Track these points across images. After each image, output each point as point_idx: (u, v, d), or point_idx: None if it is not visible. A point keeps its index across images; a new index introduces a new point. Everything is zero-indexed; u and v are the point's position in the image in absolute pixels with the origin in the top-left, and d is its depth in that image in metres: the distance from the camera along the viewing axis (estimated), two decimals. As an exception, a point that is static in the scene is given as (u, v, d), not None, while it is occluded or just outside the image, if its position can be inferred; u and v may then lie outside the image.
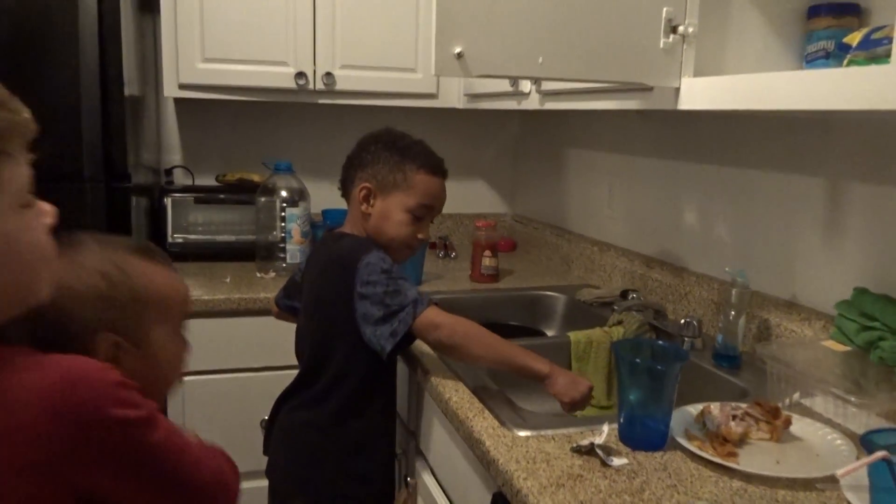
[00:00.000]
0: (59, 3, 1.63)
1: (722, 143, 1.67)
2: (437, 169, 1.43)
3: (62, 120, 1.66)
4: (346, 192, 1.45)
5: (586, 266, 2.20)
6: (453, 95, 2.31)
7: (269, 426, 1.48)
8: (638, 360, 1.07)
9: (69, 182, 1.66)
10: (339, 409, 1.36)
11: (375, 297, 1.27)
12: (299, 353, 1.48)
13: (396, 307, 1.26)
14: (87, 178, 1.64)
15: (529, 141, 2.70)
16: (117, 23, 1.67)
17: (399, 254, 1.42)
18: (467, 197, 2.76)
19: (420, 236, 1.42)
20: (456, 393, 1.28)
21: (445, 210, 2.68)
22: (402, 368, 1.52)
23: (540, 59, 1.15)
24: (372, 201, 1.39)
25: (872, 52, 1.10)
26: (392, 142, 1.42)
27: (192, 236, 2.24)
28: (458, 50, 1.09)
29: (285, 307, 1.61)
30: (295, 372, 1.53)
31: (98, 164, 1.65)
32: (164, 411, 1.70)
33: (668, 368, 1.05)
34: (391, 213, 1.38)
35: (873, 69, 0.89)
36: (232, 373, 1.98)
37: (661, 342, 1.15)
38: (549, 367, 1.24)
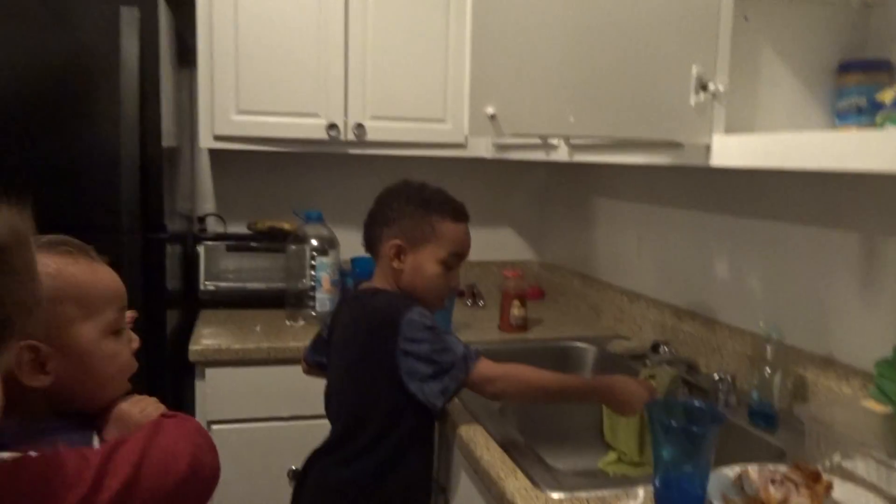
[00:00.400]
0: (102, 59, 1.69)
1: (753, 196, 1.67)
2: (461, 215, 1.45)
3: (102, 173, 1.71)
4: (372, 249, 1.46)
5: (616, 316, 2.18)
6: (481, 145, 2.33)
7: (301, 483, 1.46)
8: (673, 423, 1.05)
9: (107, 234, 1.69)
10: (379, 467, 1.35)
11: (422, 355, 1.28)
12: (332, 411, 1.47)
13: (447, 364, 1.27)
14: (125, 230, 1.67)
15: (557, 189, 2.71)
16: (157, 78, 1.73)
17: (433, 305, 1.43)
18: (494, 244, 2.77)
19: (452, 285, 1.44)
20: (487, 451, 1.27)
21: (472, 257, 2.70)
22: (431, 422, 1.51)
23: (571, 118, 1.16)
24: (403, 257, 1.40)
25: (906, 110, 1.10)
26: (414, 195, 1.44)
27: (224, 283, 2.27)
28: (491, 111, 1.11)
29: (314, 363, 1.61)
30: (324, 422, 1.54)
31: (135, 216, 1.68)
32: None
33: (705, 431, 1.03)
34: (423, 266, 1.40)
35: (909, 132, 0.88)
36: (261, 422, 1.98)
37: (696, 402, 1.13)
38: (605, 383, 1.33)
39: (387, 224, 1.42)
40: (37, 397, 0.84)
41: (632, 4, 1.18)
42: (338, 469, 1.37)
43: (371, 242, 1.47)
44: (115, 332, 0.91)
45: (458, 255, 1.43)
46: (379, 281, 1.45)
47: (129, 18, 1.64)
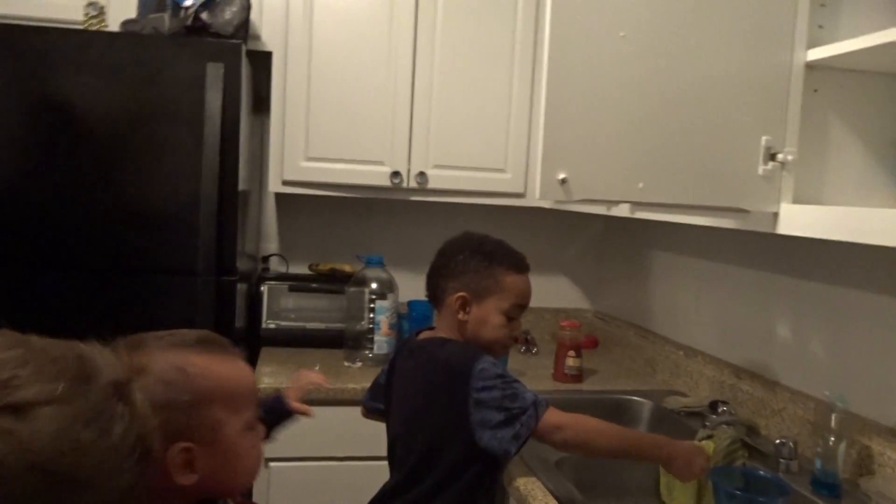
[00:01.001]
0: (187, 110, 1.79)
1: (818, 261, 1.66)
2: (523, 266, 1.48)
3: (181, 217, 1.80)
4: (436, 301, 1.50)
5: (671, 371, 2.17)
6: (537, 182, 2.36)
7: None
8: (738, 492, 1.06)
9: (183, 276, 1.78)
10: None
11: (494, 402, 1.30)
12: (396, 457, 1.48)
13: (518, 410, 1.29)
14: (201, 272, 1.75)
15: (614, 240, 2.72)
16: (237, 129, 1.82)
17: (496, 354, 1.46)
18: (549, 292, 2.78)
19: (514, 335, 1.47)
20: (546, 507, 1.28)
21: (527, 304, 2.70)
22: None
23: (640, 185, 1.19)
24: (468, 309, 1.43)
25: (980, 188, 1.10)
26: (477, 248, 1.48)
27: (285, 322, 2.34)
28: (562, 176, 1.14)
29: (373, 409, 1.65)
30: (379, 464, 1.57)
31: (211, 260, 1.76)
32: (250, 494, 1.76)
33: (771, 502, 1.03)
34: (488, 317, 1.43)
35: None
36: (316, 461, 2.01)
37: (761, 472, 1.13)
38: (667, 450, 1.31)
39: (451, 277, 1.46)
40: (177, 492, 0.86)
41: (704, 74, 1.21)
42: None
43: (435, 294, 1.50)
44: (253, 426, 0.94)
45: (520, 306, 1.46)
46: (442, 330, 1.49)
47: (214, 74, 1.74)
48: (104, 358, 0.64)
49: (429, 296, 1.54)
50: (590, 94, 1.15)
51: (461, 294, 1.44)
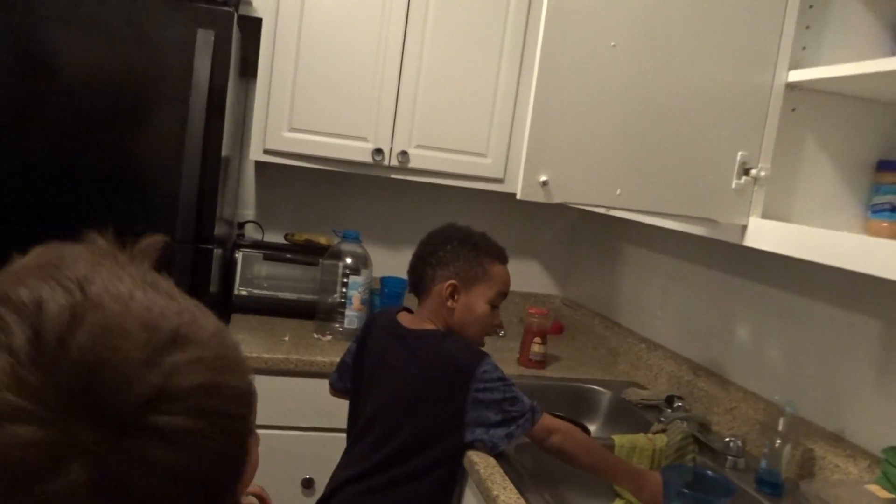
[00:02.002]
0: (175, 77, 1.78)
1: (781, 269, 1.72)
2: (506, 258, 1.57)
3: (163, 184, 1.80)
4: (422, 289, 1.54)
5: (633, 362, 2.24)
6: (519, 182, 2.40)
7: (326, 501, 1.52)
8: (686, 490, 1.12)
9: (161, 241, 1.79)
10: (412, 501, 1.43)
11: (493, 403, 1.37)
12: (367, 436, 1.50)
13: (516, 413, 1.37)
14: (179, 239, 1.76)
15: (587, 231, 2.77)
16: (224, 97, 1.81)
17: (477, 342, 1.53)
18: (520, 276, 2.83)
19: (496, 323, 1.55)
20: (504, 491, 1.33)
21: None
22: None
23: (618, 191, 1.23)
24: (457, 297, 1.48)
25: (938, 219, 1.16)
26: (465, 239, 1.53)
27: (257, 290, 2.35)
28: (543, 178, 1.18)
29: (341, 389, 1.69)
30: (341, 436, 1.64)
31: (190, 227, 1.77)
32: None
33: (716, 502, 1.10)
34: (475, 305, 1.49)
35: (939, 253, 0.95)
36: (282, 430, 2.05)
37: (709, 472, 1.19)
38: (640, 481, 1.40)
39: (440, 265, 1.50)
40: None
41: (688, 88, 1.25)
42: (369, 497, 1.44)
43: (421, 281, 1.54)
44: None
45: (503, 295, 1.54)
46: (426, 317, 1.53)
47: (204, 40, 1.73)
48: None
49: (413, 283, 1.57)
50: (577, 100, 1.18)
51: (451, 282, 1.48)
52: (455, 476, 1.47)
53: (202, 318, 0.56)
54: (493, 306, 1.52)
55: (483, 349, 1.48)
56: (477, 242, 1.53)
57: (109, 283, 0.53)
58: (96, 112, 1.77)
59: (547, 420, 1.40)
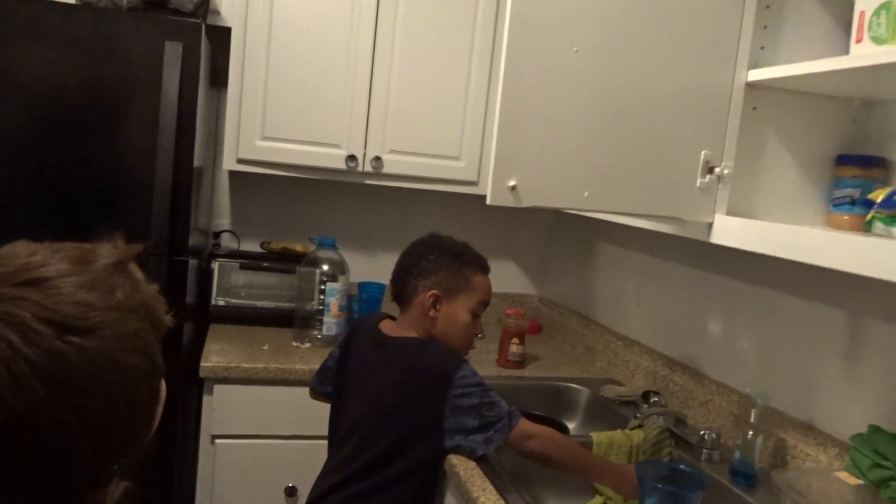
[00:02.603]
0: (144, 89, 1.78)
1: (749, 262, 1.76)
2: (487, 268, 1.60)
3: (135, 196, 1.79)
4: (404, 298, 1.56)
5: (610, 359, 2.27)
6: (488, 188, 2.42)
7: None
8: (660, 486, 1.14)
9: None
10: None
11: (471, 409, 1.39)
12: (351, 445, 1.50)
13: (493, 418, 1.39)
14: (152, 251, 1.76)
15: (563, 231, 2.80)
16: (194, 108, 1.81)
17: (461, 350, 1.56)
18: (497, 277, 2.83)
19: (476, 332, 1.57)
20: (483, 492, 1.35)
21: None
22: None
23: (586, 193, 1.25)
24: (439, 306, 1.50)
25: (894, 211, 1.19)
26: (448, 249, 1.56)
27: (235, 300, 2.35)
28: (512, 183, 1.20)
29: (323, 393, 1.70)
30: (322, 443, 1.64)
31: (163, 239, 1.77)
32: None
33: (689, 495, 1.12)
34: (457, 315, 1.52)
35: (893, 245, 0.98)
36: (263, 439, 2.05)
37: (683, 466, 1.22)
38: (619, 476, 1.42)
39: (423, 275, 1.52)
40: None
41: (651, 90, 1.28)
42: (354, 502, 1.45)
43: (404, 291, 1.56)
44: None
45: (484, 304, 1.57)
46: (408, 326, 1.55)
47: (172, 52, 1.73)
48: (103, 247, 0.75)
49: (395, 293, 1.59)
50: (542, 105, 1.20)
51: (434, 292, 1.50)
52: (436, 480, 1.49)
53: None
54: (475, 315, 1.55)
55: (459, 355, 1.50)
56: (459, 253, 1.55)
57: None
58: (65, 125, 1.76)
59: (525, 425, 1.41)
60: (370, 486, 1.44)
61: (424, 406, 1.41)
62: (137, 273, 0.78)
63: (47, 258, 0.69)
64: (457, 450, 1.43)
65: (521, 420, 1.42)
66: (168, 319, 0.79)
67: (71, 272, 0.68)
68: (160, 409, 0.77)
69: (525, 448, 1.42)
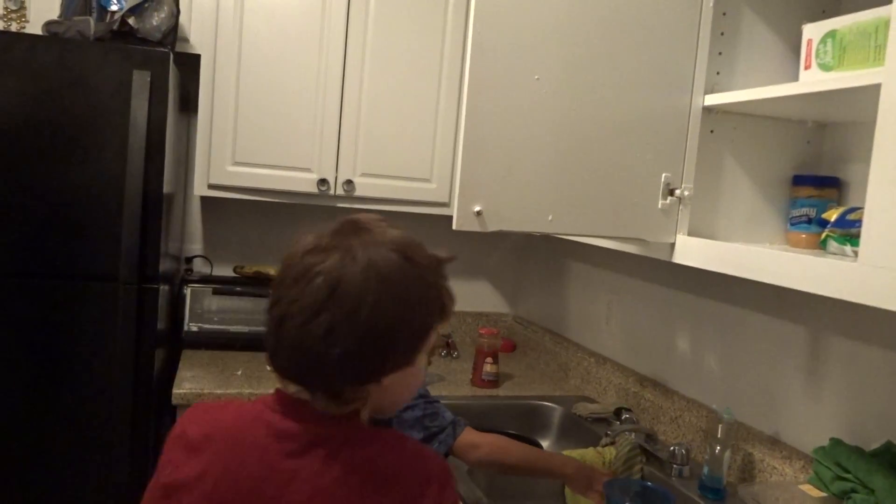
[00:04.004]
0: (113, 118, 1.78)
1: (715, 281, 1.80)
2: None
3: (105, 224, 1.79)
4: None
5: (583, 377, 2.29)
6: (454, 213, 2.45)
7: None
8: (628, 502, 1.16)
9: (104, 282, 1.77)
10: None
11: (414, 421, 1.40)
12: None
13: (436, 429, 1.40)
14: (122, 280, 1.75)
15: (533, 249, 2.83)
16: (163, 137, 1.81)
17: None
18: (471, 296, 2.88)
19: (435, 344, 1.54)
20: (456, 515, 1.36)
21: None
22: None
23: (550, 217, 1.28)
24: None
25: (847, 231, 1.24)
26: None
27: (208, 325, 2.34)
28: (477, 209, 1.22)
29: None
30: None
31: (133, 267, 1.76)
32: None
33: (656, 512, 1.14)
34: None
35: (846, 266, 1.01)
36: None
37: (650, 484, 1.24)
38: (568, 469, 1.45)
39: None
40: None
41: (611, 115, 1.31)
42: None
43: None
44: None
45: None
46: None
47: (140, 81, 1.74)
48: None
49: None
50: (505, 132, 1.22)
51: None
52: None
53: None
54: None
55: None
56: None
57: None
58: (33, 155, 1.75)
59: (470, 435, 1.43)
60: None
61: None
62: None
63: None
64: None
65: (465, 430, 1.43)
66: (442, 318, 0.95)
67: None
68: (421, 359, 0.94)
69: (471, 458, 1.44)
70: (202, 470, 0.88)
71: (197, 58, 2.15)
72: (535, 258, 2.81)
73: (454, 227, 1.22)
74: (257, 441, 0.88)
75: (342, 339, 0.84)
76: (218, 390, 1.99)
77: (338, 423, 0.89)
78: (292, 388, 0.91)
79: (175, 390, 1.95)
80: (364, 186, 2.34)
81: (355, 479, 0.86)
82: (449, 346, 2.61)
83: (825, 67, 1.18)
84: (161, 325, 2.06)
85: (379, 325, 0.85)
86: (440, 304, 0.93)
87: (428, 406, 1.42)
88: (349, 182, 2.31)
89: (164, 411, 2.03)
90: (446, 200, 2.43)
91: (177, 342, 2.32)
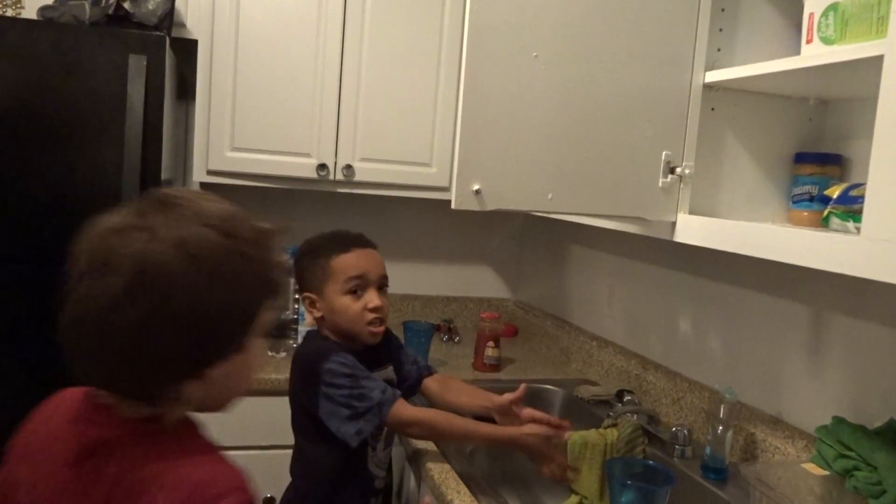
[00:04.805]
0: (109, 102, 1.77)
1: (716, 261, 1.79)
2: (348, 244, 1.52)
3: (102, 209, 1.77)
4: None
5: (585, 360, 2.29)
6: (452, 192, 2.44)
7: None
8: (629, 482, 1.16)
9: (103, 268, 1.77)
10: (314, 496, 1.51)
11: (341, 400, 1.40)
12: None
13: (363, 409, 1.40)
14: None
15: (534, 233, 2.82)
16: (160, 121, 1.81)
17: (363, 335, 1.50)
18: (472, 281, 2.87)
19: (371, 306, 1.48)
20: (458, 494, 1.36)
21: (449, 293, 2.78)
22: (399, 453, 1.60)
23: (549, 196, 1.27)
24: (318, 305, 1.51)
25: (849, 207, 1.22)
26: (306, 250, 1.55)
27: (209, 312, 2.33)
28: (476, 187, 1.21)
29: None
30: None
31: (132, 253, 1.76)
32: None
33: (657, 490, 1.14)
34: (332, 303, 1.48)
35: (848, 239, 1.00)
36: (239, 450, 2.04)
37: (652, 463, 1.23)
38: (504, 437, 1.46)
39: (300, 284, 1.55)
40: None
41: (610, 93, 1.30)
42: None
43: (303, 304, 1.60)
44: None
45: (357, 278, 1.47)
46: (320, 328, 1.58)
47: (136, 66, 1.73)
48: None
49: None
50: (504, 110, 1.21)
51: (306, 295, 1.52)
52: (350, 464, 1.51)
53: None
54: (353, 292, 1.47)
55: (333, 346, 1.48)
56: (316, 246, 1.52)
57: None
58: (29, 141, 1.75)
59: (400, 412, 1.42)
60: (295, 480, 1.56)
61: (304, 395, 1.46)
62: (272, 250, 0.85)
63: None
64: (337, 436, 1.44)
65: (395, 406, 1.42)
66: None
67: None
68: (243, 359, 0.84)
69: (408, 434, 1.50)
70: (18, 478, 0.82)
71: (194, 43, 2.14)
72: (536, 243, 2.80)
73: (453, 205, 1.21)
74: (58, 453, 0.80)
75: (154, 333, 0.74)
76: (219, 376, 1.98)
77: (133, 428, 0.79)
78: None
79: (176, 376, 1.95)
80: (364, 171, 2.32)
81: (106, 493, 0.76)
82: (450, 330, 2.61)
83: (827, 41, 1.16)
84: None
85: (195, 312, 0.76)
86: (267, 281, 0.83)
87: (355, 385, 1.41)
88: (349, 167, 2.30)
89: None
90: (447, 185, 2.42)
91: (178, 329, 2.31)
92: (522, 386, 1.59)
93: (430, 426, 1.46)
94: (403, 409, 1.43)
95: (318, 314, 1.51)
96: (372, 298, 1.48)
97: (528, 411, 1.54)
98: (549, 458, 1.46)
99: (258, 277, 0.82)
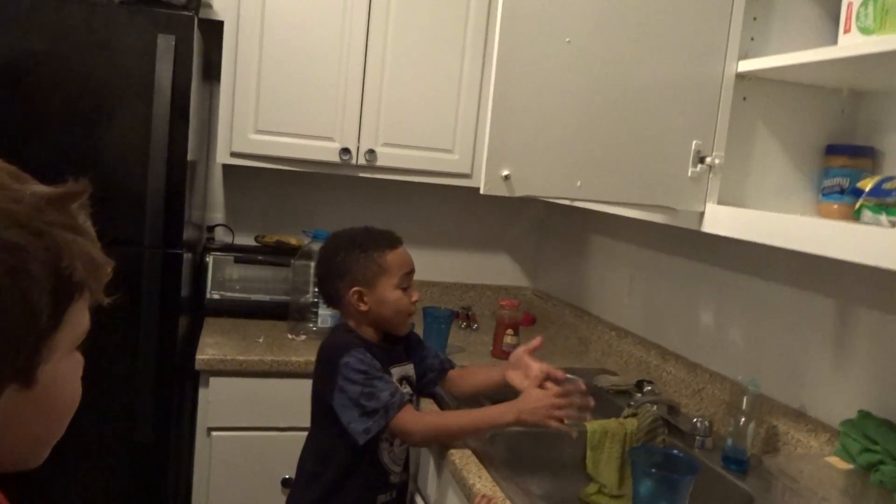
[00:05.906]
0: (137, 82, 1.78)
1: (739, 252, 1.77)
2: (395, 241, 1.59)
3: (129, 189, 1.80)
4: (335, 302, 1.60)
5: (604, 350, 2.29)
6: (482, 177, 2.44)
7: None
8: (653, 470, 1.16)
9: (129, 247, 1.78)
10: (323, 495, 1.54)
11: (353, 396, 1.43)
12: None
13: (370, 409, 1.43)
14: (147, 244, 1.76)
15: (555, 222, 2.81)
16: (187, 101, 1.81)
17: (403, 325, 1.59)
18: (490, 269, 2.87)
19: (414, 299, 1.59)
20: (479, 480, 1.37)
21: (468, 280, 2.78)
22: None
23: (578, 183, 1.26)
24: (365, 298, 1.53)
25: (882, 200, 1.21)
26: (349, 243, 1.57)
27: (229, 293, 2.35)
28: (505, 173, 1.21)
29: None
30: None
31: (158, 232, 1.77)
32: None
33: (681, 479, 1.14)
34: (385, 297, 1.53)
35: (882, 233, 0.99)
36: (258, 431, 2.06)
37: (675, 452, 1.23)
38: (512, 413, 1.43)
39: (340, 277, 1.55)
40: None
41: (642, 81, 1.29)
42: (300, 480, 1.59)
43: (331, 297, 1.60)
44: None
45: (406, 275, 1.57)
46: (351, 321, 1.59)
47: (165, 45, 1.73)
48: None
49: (325, 301, 1.64)
50: (535, 96, 1.21)
51: (356, 289, 1.53)
52: (363, 456, 1.52)
53: None
54: (404, 288, 1.56)
55: (355, 341, 1.51)
56: (362, 242, 1.56)
57: None
58: (58, 118, 1.76)
59: (405, 419, 1.44)
60: (307, 464, 1.59)
61: (324, 386, 1.49)
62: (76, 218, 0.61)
63: None
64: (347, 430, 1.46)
65: (402, 414, 1.43)
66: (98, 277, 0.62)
67: None
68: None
69: (409, 443, 1.54)
70: None
71: (220, 24, 2.14)
72: (556, 231, 2.79)
73: (482, 191, 1.21)
74: None
75: None
76: (240, 356, 2.00)
77: None
78: None
79: (198, 356, 1.97)
80: (386, 156, 2.32)
81: None
82: (469, 317, 2.61)
83: (866, 31, 1.14)
84: (184, 292, 2.07)
85: None
86: (56, 256, 0.56)
87: (368, 383, 1.43)
88: (371, 151, 2.30)
89: (188, 377, 2.05)
90: (468, 171, 2.42)
91: (199, 310, 2.33)
92: (539, 338, 1.61)
93: (435, 431, 1.49)
94: (409, 417, 1.46)
95: (364, 308, 1.53)
96: (415, 293, 1.60)
97: (539, 368, 1.53)
98: (553, 419, 1.45)
99: (40, 256, 0.56)
